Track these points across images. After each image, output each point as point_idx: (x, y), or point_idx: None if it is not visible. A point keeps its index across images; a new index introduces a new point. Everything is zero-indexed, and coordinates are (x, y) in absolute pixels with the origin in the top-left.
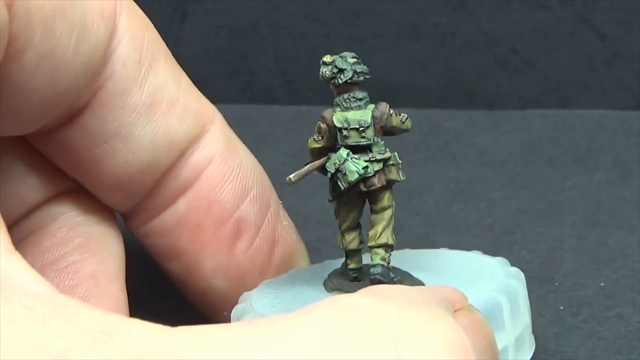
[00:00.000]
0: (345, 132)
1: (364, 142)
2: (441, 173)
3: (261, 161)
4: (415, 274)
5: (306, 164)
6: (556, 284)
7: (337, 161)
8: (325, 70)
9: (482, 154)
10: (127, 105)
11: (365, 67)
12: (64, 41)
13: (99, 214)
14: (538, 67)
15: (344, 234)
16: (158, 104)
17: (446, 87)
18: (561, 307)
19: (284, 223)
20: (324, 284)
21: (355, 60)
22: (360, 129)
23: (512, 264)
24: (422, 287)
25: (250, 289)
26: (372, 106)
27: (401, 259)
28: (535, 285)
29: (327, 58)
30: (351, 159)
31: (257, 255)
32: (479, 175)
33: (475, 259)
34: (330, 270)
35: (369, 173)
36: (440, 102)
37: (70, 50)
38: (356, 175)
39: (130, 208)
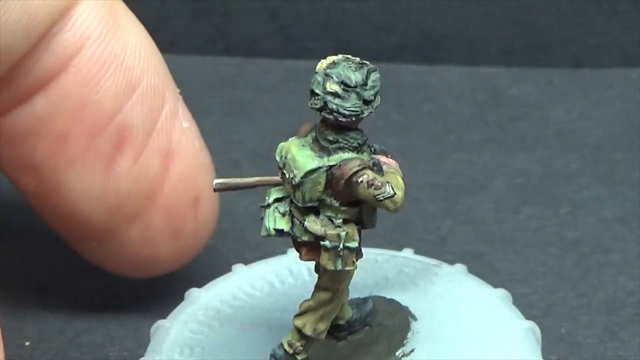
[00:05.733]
0: (280, 173)
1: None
2: (504, 162)
3: (239, 140)
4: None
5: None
6: None
7: (266, 198)
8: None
9: (565, 134)
10: None
11: (367, 102)
12: None
13: None
14: None
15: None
16: None
17: (512, 36)
18: None
19: (184, 125)
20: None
21: (344, 86)
22: (292, 182)
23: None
24: None
25: (132, 220)
26: (341, 157)
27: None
28: None
29: (323, 62)
30: (275, 208)
31: (144, 174)
32: (559, 165)
33: (480, 297)
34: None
35: (290, 235)
36: (502, 57)
37: None
38: (264, 233)
39: None
